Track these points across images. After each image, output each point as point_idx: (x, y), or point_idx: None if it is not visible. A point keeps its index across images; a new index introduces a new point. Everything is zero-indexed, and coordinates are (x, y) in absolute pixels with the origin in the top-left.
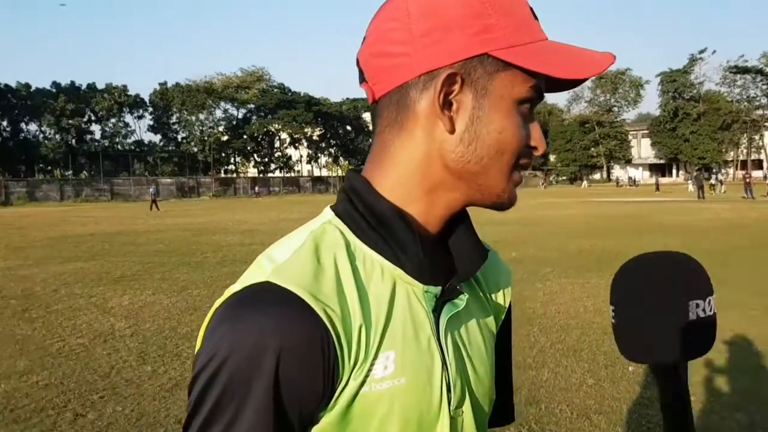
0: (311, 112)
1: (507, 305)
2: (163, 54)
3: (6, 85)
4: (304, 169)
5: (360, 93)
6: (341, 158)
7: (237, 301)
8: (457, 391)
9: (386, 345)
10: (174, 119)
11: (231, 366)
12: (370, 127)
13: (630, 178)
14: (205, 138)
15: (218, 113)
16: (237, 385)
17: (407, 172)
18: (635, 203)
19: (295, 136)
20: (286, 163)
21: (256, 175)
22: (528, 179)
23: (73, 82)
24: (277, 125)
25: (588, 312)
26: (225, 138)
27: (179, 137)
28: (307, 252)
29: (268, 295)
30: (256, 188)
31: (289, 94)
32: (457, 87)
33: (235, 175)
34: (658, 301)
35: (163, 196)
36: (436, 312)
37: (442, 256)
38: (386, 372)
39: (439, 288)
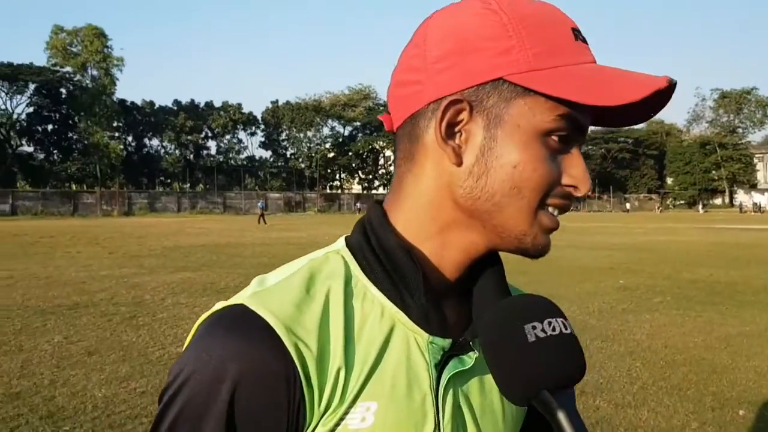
0: None
1: None
2: (275, 74)
3: (132, 103)
4: None
5: None
6: None
7: (211, 321)
8: None
9: (369, 394)
10: (284, 136)
11: (189, 389)
12: None
13: (755, 203)
14: (312, 154)
15: (325, 130)
16: (193, 408)
17: (419, 207)
18: (760, 231)
19: None
20: (390, 181)
21: (360, 191)
22: (643, 202)
23: (192, 101)
24: (382, 142)
25: (698, 348)
26: (331, 155)
27: (288, 153)
28: (298, 280)
29: (239, 319)
30: (358, 204)
31: None
32: (465, 115)
33: (339, 191)
34: (501, 337)
35: (271, 210)
36: (440, 367)
37: (460, 306)
38: (363, 424)
39: (449, 341)
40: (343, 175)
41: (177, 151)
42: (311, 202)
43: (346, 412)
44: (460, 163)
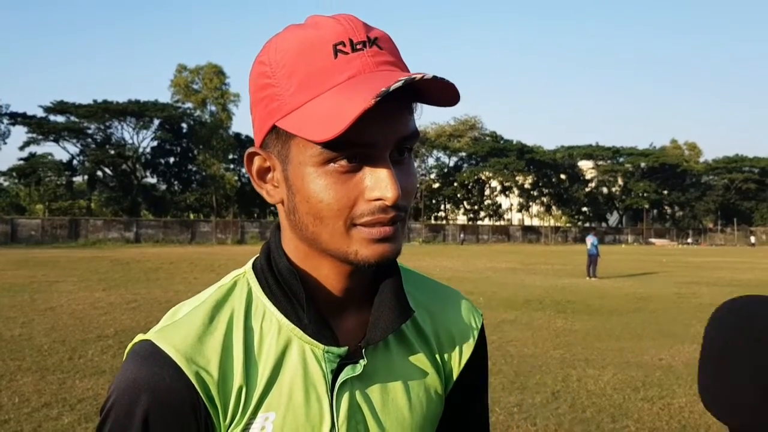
0: (523, 160)
1: (462, 363)
2: None
3: (246, 136)
4: (515, 217)
5: (575, 141)
6: (554, 207)
7: (129, 354)
8: None
9: (267, 406)
10: None
11: (113, 414)
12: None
13: None
14: (418, 185)
15: (430, 161)
16: (116, 431)
17: (287, 237)
18: None
19: (506, 184)
20: (496, 212)
21: (465, 222)
22: None
23: None
24: (488, 173)
25: None
26: (436, 185)
27: None
28: (202, 310)
29: (147, 354)
30: (462, 235)
31: (501, 142)
32: (267, 163)
33: (444, 221)
34: (752, 362)
35: None
36: (336, 373)
37: (359, 316)
38: None
39: (344, 349)
40: (448, 206)
41: None
42: (416, 232)
43: (248, 424)
44: (279, 202)
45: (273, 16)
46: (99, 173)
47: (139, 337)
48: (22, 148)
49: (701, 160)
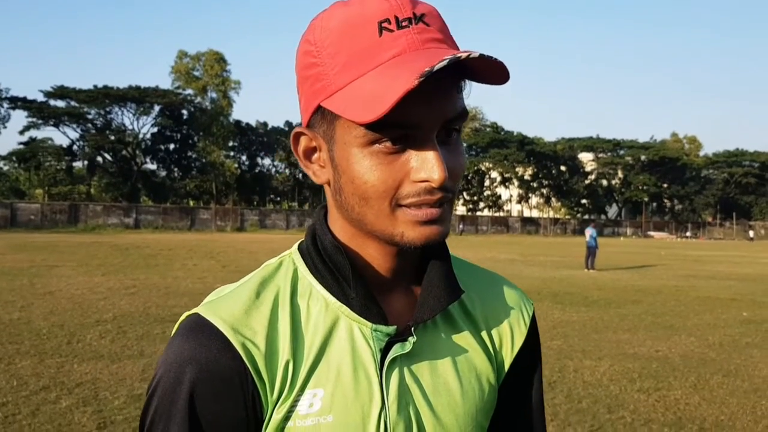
0: (523, 151)
1: (515, 352)
2: None
3: (247, 124)
4: (514, 209)
5: (576, 133)
6: (553, 199)
7: (175, 330)
8: None
9: (315, 382)
10: None
11: (160, 389)
12: (586, 168)
13: None
14: (466, 166)
15: None
16: (164, 405)
17: (334, 216)
18: None
19: (506, 175)
20: (495, 203)
21: (465, 213)
22: None
23: None
24: (488, 164)
25: None
26: None
27: None
28: (248, 287)
29: (194, 326)
30: (461, 226)
31: (502, 133)
32: (313, 143)
33: None
34: None
35: None
36: (385, 352)
37: (407, 296)
38: (311, 409)
39: (393, 328)
40: None
41: (287, 170)
42: None
43: (296, 400)
44: (326, 182)
45: (275, 4)
46: (99, 159)
47: (184, 315)
48: (22, 133)
49: (701, 153)
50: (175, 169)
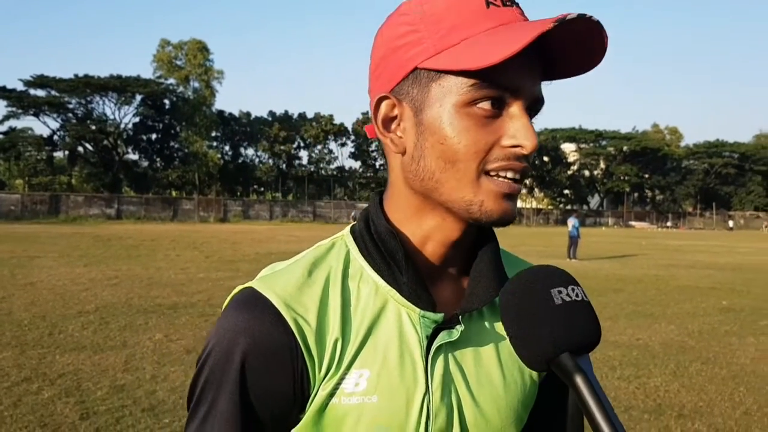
0: None
1: None
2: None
3: (230, 114)
4: None
5: (559, 123)
6: (536, 189)
7: (229, 303)
8: (439, 421)
9: (362, 362)
10: (373, 147)
11: (212, 359)
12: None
13: None
14: None
15: None
16: (215, 375)
17: (394, 195)
18: None
19: None
20: None
21: None
22: (749, 221)
23: (286, 111)
24: None
25: None
26: None
27: (377, 164)
28: (301, 265)
29: (248, 299)
30: None
31: None
32: (396, 109)
33: None
34: (527, 299)
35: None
36: (431, 338)
37: (456, 284)
38: (357, 388)
39: (440, 315)
40: None
41: (270, 161)
42: None
43: (342, 378)
44: (403, 152)
45: None
46: (80, 149)
47: (238, 288)
48: (1, 122)
49: (682, 144)
50: (158, 160)
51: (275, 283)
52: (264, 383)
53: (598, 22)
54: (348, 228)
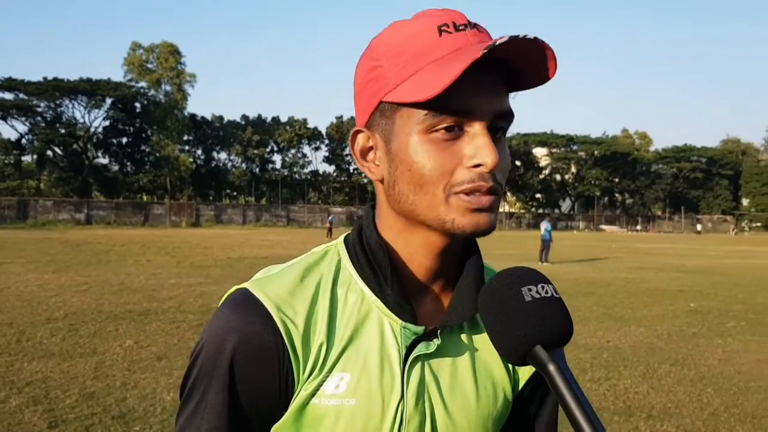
0: None
1: (533, 369)
2: (340, 90)
3: (202, 117)
4: None
5: (530, 128)
6: (509, 193)
7: (223, 302)
8: (411, 427)
9: (343, 366)
10: (347, 151)
11: (204, 353)
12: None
13: None
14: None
15: None
16: (206, 369)
17: (383, 215)
18: None
19: None
20: None
21: None
22: (717, 224)
23: (259, 115)
24: None
25: None
26: None
27: (351, 168)
28: (294, 270)
29: (242, 300)
30: None
31: None
32: (371, 141)
33: None
34: (501, 299)
35: (334, 224)
36: (410, 348)
37: (439, 299)
38: (337, 390)
39: (421, 328)
40: None
41: (243, 165)
42: None
43: (324, 380)
44: (381, 179)
45: None
46: (49, 153)
47: (233, 288)
48: None
49: (651, 149)
50: (128, 164)
51: (268, 286)
52: (252, 379)
53: (535, 39)
54: (342, 237)
